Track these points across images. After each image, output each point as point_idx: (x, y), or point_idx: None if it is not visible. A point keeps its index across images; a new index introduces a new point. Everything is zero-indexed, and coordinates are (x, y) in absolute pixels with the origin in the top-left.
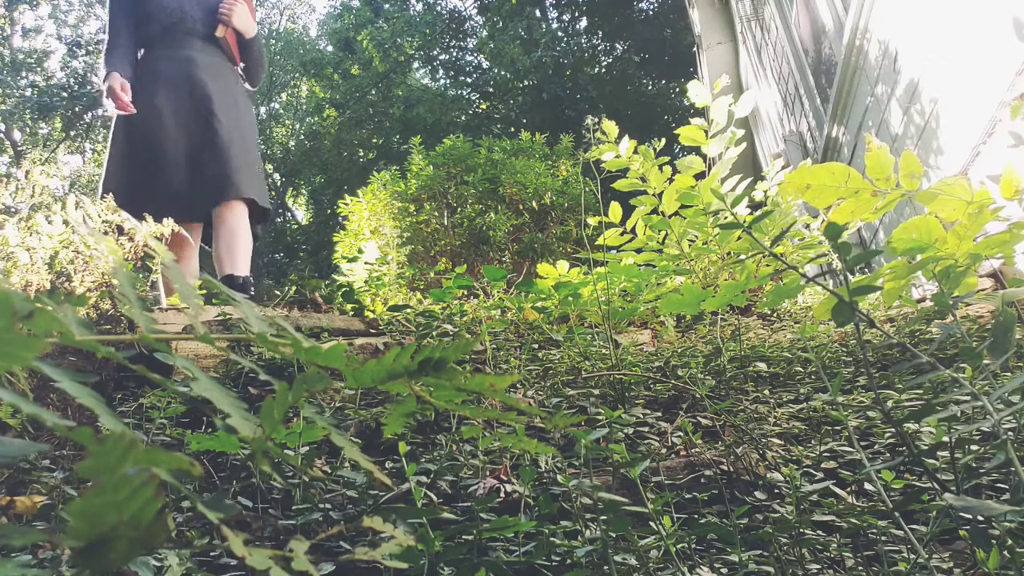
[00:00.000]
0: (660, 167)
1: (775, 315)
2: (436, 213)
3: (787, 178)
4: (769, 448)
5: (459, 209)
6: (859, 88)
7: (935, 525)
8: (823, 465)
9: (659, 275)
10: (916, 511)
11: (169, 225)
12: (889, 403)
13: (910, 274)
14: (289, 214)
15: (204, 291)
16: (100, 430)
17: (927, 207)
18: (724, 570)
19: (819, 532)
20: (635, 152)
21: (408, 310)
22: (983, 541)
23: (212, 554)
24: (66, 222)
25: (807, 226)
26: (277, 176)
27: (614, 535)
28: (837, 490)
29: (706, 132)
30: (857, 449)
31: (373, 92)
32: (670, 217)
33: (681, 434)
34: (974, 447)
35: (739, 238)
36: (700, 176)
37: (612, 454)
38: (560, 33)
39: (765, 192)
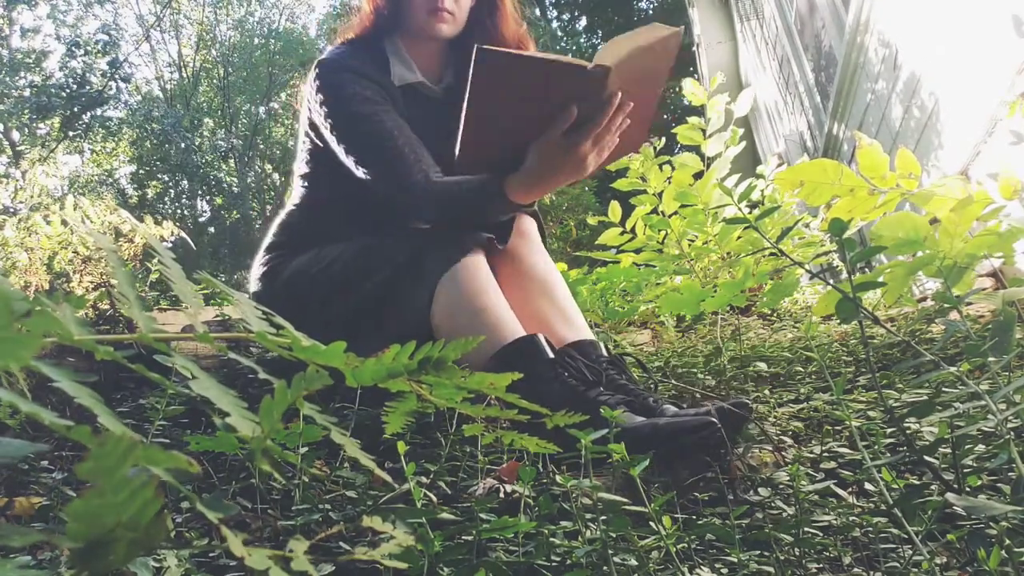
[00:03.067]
0: (660, 166)
1: (775, 315)
2: None
3: (780, 175)
4: (774, 448)
5: None
6: (859, 85)
7: (931, 522)
8: (823, 465)
9: (659, 275)
10: (910, 510)
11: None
12: (891, 402)
13: (911, 272)
14: None
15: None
16: (99, 430)
17: (924, 207)
18: (724, 570)
19: (819, 532)
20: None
21: None
22: (981, 540)
23: (211, 555)
24: (64, 222)
25: (807, 225)
26: (276, 176)
27: (614, 535)
28: (838, 490)
29: (703, 131)
30: (859, 448)
31: None
32: (670, 217)
33: None
34: (976, 447)
35: (739, 237)
36: (699, 175)
37: (612, 453)
38: (560, 32)
39: (762, 192)
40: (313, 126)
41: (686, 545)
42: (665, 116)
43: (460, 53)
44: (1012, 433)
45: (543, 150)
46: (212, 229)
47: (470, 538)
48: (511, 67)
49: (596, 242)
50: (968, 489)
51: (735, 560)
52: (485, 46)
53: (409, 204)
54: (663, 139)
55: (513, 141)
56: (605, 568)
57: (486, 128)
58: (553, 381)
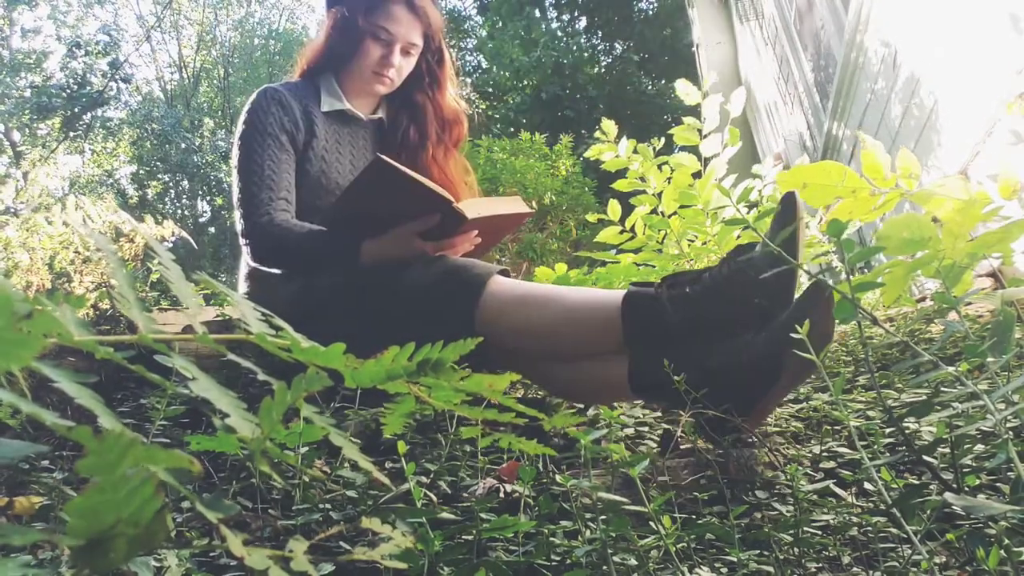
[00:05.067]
0: (659, 167)
1: None
2: None
3: (782, 177)
4: (772, 450)
5: None
6: (859, 85)
7: (929, 522)
8: (822, 465)
9: (658, 274)
10: (909, 510)
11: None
12: (890, 402)
13: (910, 272)
14: None
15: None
16: (100, 430)
17: (924, 207)
18: (724, 570)
19: (818, 531)
20: (634, 151)
21: None
22: (980, 539)
23: (212, 554)
24: (66, 223)
25: (807, 225)
26: None
27: (614, 535)
28: (838, 490)
29: (700, 131)
30: (858, 448)
31: None
32: (669, 217)
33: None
34: (975, 446)
35: (738, 237)
36: (698, 175)
37: (612, 454)
38: (560, 33)
39: (760, 192)
40: None
41: (686, 545)
42: (665, 117)
43: (394, 96)
44: (1011, 433)
45: (402, 234)
46: (212, 229)
47: (470, 538)
48: (398, 179)
49: (595, 240)
50: (967, 488)
51: (735, 559)
52: (384, 157)
53: (244, 239)
54: (662, 140)
55: (380, 219)
56: (605, 568)
57: (361, 203)
58: (676, 300)
